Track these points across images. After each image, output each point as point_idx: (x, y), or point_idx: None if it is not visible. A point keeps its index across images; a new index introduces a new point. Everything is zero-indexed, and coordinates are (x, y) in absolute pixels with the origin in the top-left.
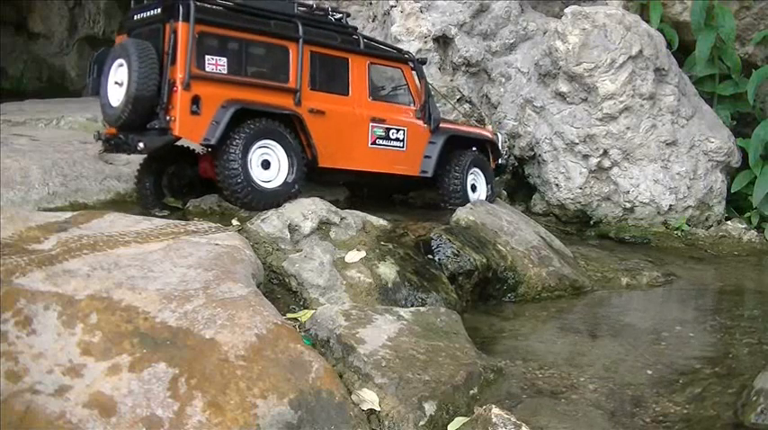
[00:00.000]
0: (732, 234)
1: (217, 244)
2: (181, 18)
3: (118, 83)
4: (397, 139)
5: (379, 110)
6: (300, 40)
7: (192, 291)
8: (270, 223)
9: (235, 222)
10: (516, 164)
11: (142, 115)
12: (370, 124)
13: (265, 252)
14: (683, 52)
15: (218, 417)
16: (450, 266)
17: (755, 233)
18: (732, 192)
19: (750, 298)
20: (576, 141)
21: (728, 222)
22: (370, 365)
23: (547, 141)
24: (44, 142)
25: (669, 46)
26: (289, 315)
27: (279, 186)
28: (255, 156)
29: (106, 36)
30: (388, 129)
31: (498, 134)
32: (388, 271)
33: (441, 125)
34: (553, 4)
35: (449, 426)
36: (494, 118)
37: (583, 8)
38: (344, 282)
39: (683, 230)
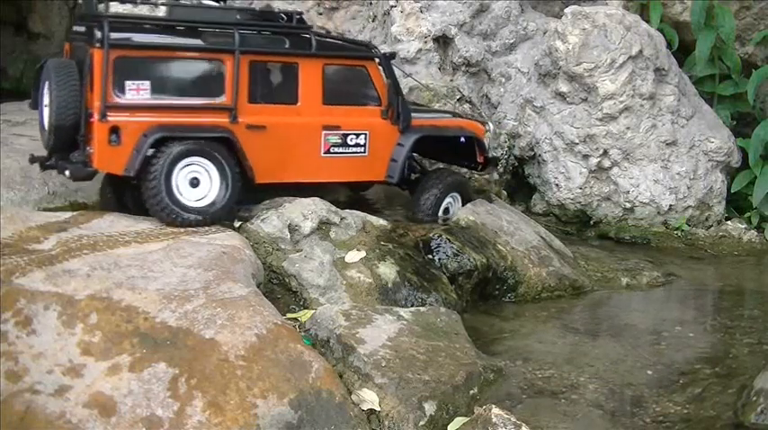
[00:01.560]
0: (732, 234)
1: (217, 244)
2: (95, 43)
3: (46, 105)
4: (356, 145)
5: (334, 115)
6: (237, 52)
7: (192, 291)
8: (270, 223)
9: (235, 223)
10: (516, 164)
11: (66, 143)
12: (323, 133)
13: (265, 252)
14: (683, 52)
15: (218, 417)
16: (450, 266)
17: (755, 233)
18: (732, 192)
19: (750, 298)
20: (576, 141)
21: (728, 222)
22: (370, 365)
23: (547, 141)
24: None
25: (669, 46)
26: (289, 315)
27: (208, 205)
28: (183, 174)
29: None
30: (345, 136)
31: (489, 124)
32: (388, 271)
33: (413, 123)
34: (553, 4)
35: (449, 426)
36: (494, 118)
37: (583, 8)
38: (344, 282)
39: (683, 230)
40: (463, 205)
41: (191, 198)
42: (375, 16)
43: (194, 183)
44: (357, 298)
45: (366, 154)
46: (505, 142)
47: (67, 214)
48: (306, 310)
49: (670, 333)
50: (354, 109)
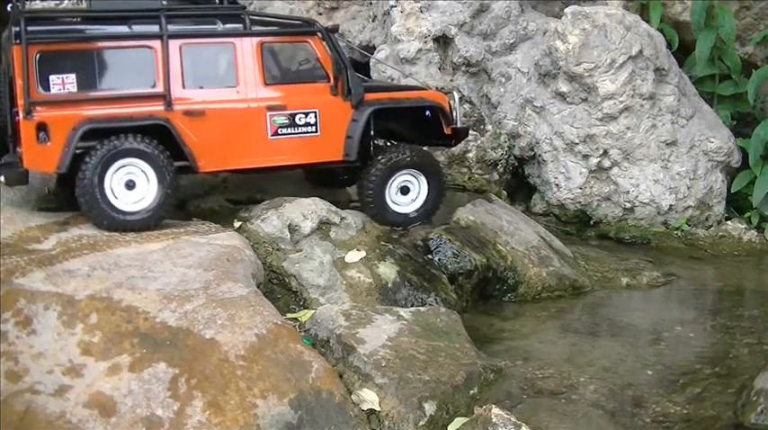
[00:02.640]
0: (732, 234)
1: (217, 244)
2: (14, 41)
3: None
4: (306, 125)
5: (278, 95)
6: (164, 37)
7: (192, 291)
8: (270, 223)
9: (236, 223)
10: (516, 164)
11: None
12: (268, 114)
13: (265, 252)
14: (683, 52)
15: (218, 417)
16: (450, 266)
17: (755, 233)
18: (732, 192)
19: (750, 298)
20: (576, 141)
21: (728, 222)
22: (370, 365)
23: (547, 141)
24: None
25: (669, 46)
26: (289, 315)
27: (144, 209)
28: (117, 178)
29: None
30: (293, 115)
31: (453, 93)
32: (388, 271)
33: (368, 97)
34: (553, 4)
35: (449, 427)
36: (494, 118)
37: (583, 8)
38: (344, 282)
39: (683, 230)
40: (429, 185)
41: (126, 201)
42: (375, 16)
43: (130, 185)
44: (357, 298)
45: (318, 133)
46: (505, 142)
47: (67, 214)
48: (306, 310)
49: (670, 333)
50: (300, 87)
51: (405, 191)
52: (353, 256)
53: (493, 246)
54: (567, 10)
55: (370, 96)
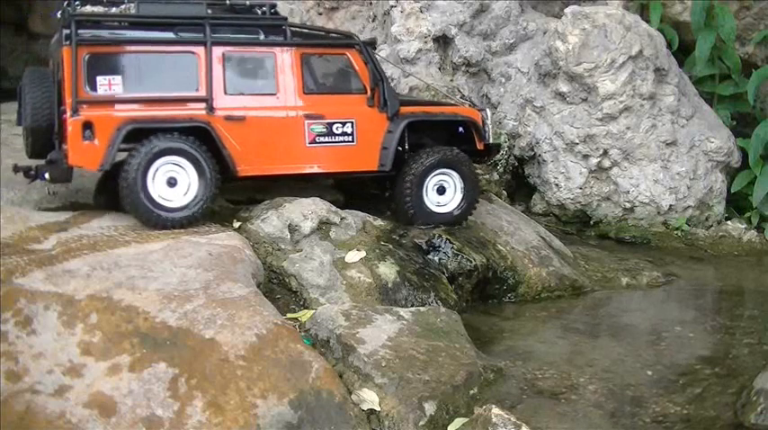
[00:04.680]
0: (732, 234)
1: (217, 244)
2: (64, 42)
3: (23, 114)
4: (343, 134)
5: (316, 105)
6: (208, 44)
7: (192, 291)
8: (270, 223)
9: (236, 223)
10: (516, 164)
11: (44, 145)
12: (306, 122)
13: (265, 252)
14: (683, 52)
15: (218, 417)
16: (450, 266)
17: (755, 233)
18: (732, 192)
19: (750, 298)
20: (576, 141)
21: (728, 222)
22: (370, 365)
23: (547, 141)
24: None
25: (669, 46)
26: (289, 315)
27: (184, 205)
28: (159, 174)
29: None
30: (330, 125)
31: (486, 110)
32: (388, 271)
33: (403, 110)
34: (553, 4)
35: (449, 427)
36: (494, 118)
37: (583, 8)
38: (344, 282)
39: (683, 230)
40: (464, 184)
41: (167, 198)
42: (375, 16)
43: (172, 182)
44: (357, 298)
45: (354, 143)
46: (505, 142)
47: (67, 214)
48: (306, 310)
49: (670, 333)
50: (337, 97)
51: (441, 191)
52: (353, 256)
53: (493, 246)
54: (567, 10)
55: (405, 109)
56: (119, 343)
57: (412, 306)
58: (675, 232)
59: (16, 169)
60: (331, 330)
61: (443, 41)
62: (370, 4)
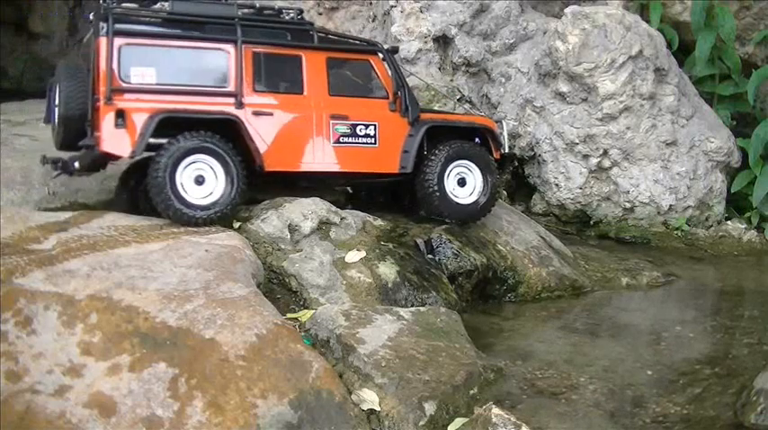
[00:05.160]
0: (732, 234)
1: (217, 244)
2: (100, 33)
3: (56, 105)
4: (366, 136)
5: (341, 106)
6: (238, 42)
7: (192, 291)
8: (270, 223)
9: (235, 223)
10: (516, 164)
11: (76, 135)
12: (331, 122)
13: (265, 252)
14: (683, 52)
15: (218, 417)
16: (450, 266)
17: (755, 233)
18: (732, 192)
19: (750, 298)
20: (576, 141)
21: (728, 222)
22: (370, 365)
23: (547, 141)
24: (44, 142)
25: (669, 46)
26: (289, 315)
27: (212, 202)
28: (188, 171)
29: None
30: (354, 126)
31: (503, 122)
32: (388, 271)
33: (422, 116)
34: (553, 4)
35: (449, 427)
36: (494, 118)
37: (583, 8)
38: (344, 282)
39: (683, 230)
40: (483, 175)
41: (195, 195)
42: (375, 16)
43: (199, 180)
44: (357, 298)
45: (377, 145)
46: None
47: (67, 214)
48: (306, 310)
49: (670, 333)
50: (361, 101)
51: (462, 183)
52: (353, 256)
53: (493, 246)
54: (567, 10)
55: (424, 116)
56: (119, 343)
57: (412, 306)
58: (675, 232)
59: (44, 160)
60: (331, 330)
61: (443, 41)
62: (370, 4)
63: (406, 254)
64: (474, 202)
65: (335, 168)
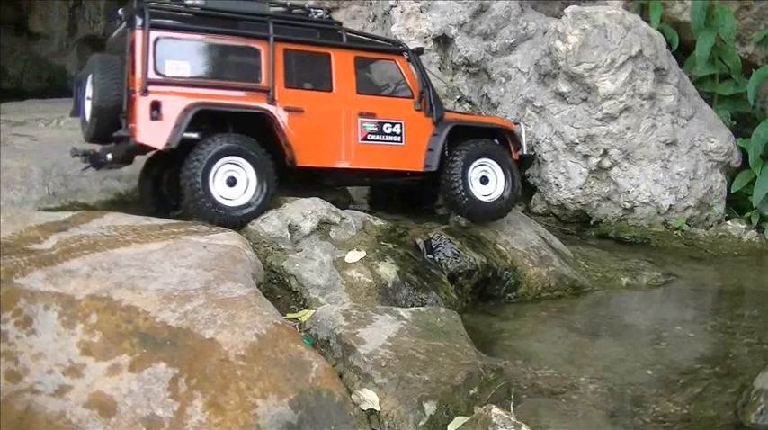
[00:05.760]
0: (732, 234)
1: (217, 244)
2: (136, 26)
3: (89, 98)
4: (393, 134)
5: (368, 104)
6: (271, 39)
7: (192, 291)
8: (270, 223)
9: None
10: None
11: (109, 126)
12: (359, 119)
13: (265, 252)
14: (683, 52)
15: (219, 417)
16: (450, 266)
17: (755, 233)
18: (732, 192)
19: (750, 298)
20: (576, 141)
21: (728, 222)
22: (370, 365)
23: (547, 141)
24: (44, 142)
25: (669, 46)
26: (289, 315)
27: (242, 205)
28: (221, 172)
29: (107, 36)
30: (381, 124)
31: (521, 124)
32: (388, 271)
33: (445, 116)
34: (553, 4)
35: (449, 426)
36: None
37: (583, 8)
38: (344, 282)
39: (683, 230)
40: (504, 173)
41: (225, 196)
42: (375, 16)
43: (231, 182)
44: (357, 298)
45: (403, 143)
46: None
47: (67, 214)
48: (306, 310)
49: (670, 333)
50: (388, 100)
51: (484, 181)
52: (353, 256)
53: (493, 246)
54: (567, 10)
55: (448, 116)
56: (119, 343)
57: (412, 306)
58: (675, 232)
59: (75, 152)
60: (331, 330)
61: (443, 41)
62: (370, 4)
63: (406, 254)
64: (498, 199)
65: (363, 165)
